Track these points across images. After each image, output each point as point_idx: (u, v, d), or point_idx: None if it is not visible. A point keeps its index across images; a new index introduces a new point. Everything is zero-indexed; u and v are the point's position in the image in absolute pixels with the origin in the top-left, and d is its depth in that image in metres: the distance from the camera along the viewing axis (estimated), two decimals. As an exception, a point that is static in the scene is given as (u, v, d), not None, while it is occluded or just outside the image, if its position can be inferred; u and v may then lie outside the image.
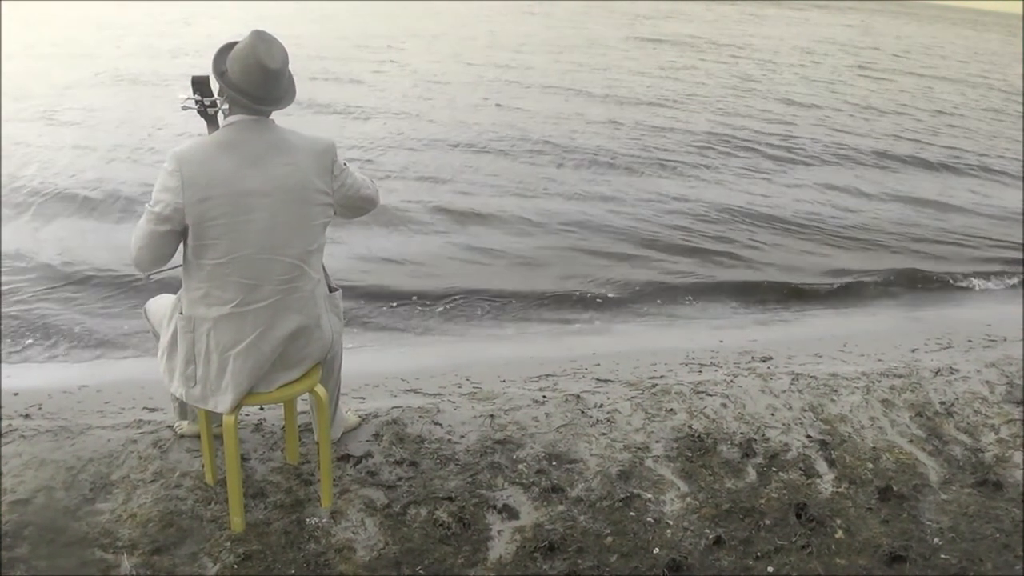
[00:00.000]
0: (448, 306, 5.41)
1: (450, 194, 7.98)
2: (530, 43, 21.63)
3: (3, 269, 5.41)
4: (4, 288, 5.14)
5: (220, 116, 2.45)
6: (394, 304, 5.37)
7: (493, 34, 23.60)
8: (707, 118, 12.61)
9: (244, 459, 2.98)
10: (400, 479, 2.97)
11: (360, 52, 17.38)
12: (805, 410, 3.67)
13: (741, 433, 3.43)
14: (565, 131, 10.91)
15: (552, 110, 12.32)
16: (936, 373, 4.17)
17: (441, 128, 10.66)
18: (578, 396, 3.71)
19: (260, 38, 2.32)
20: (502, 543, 2.70)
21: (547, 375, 4.07)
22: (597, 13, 34.98)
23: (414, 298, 5.48)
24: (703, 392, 3.79)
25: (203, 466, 2.90)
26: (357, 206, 2.63)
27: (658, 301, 5.81)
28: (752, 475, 3.15)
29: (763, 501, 2.99)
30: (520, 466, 3.12)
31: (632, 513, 2.89)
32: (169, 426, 3.19)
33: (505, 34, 23.73)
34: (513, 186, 8.37)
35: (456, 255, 6.46)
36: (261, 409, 3.35)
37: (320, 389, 2.67)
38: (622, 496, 2.97)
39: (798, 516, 2.90)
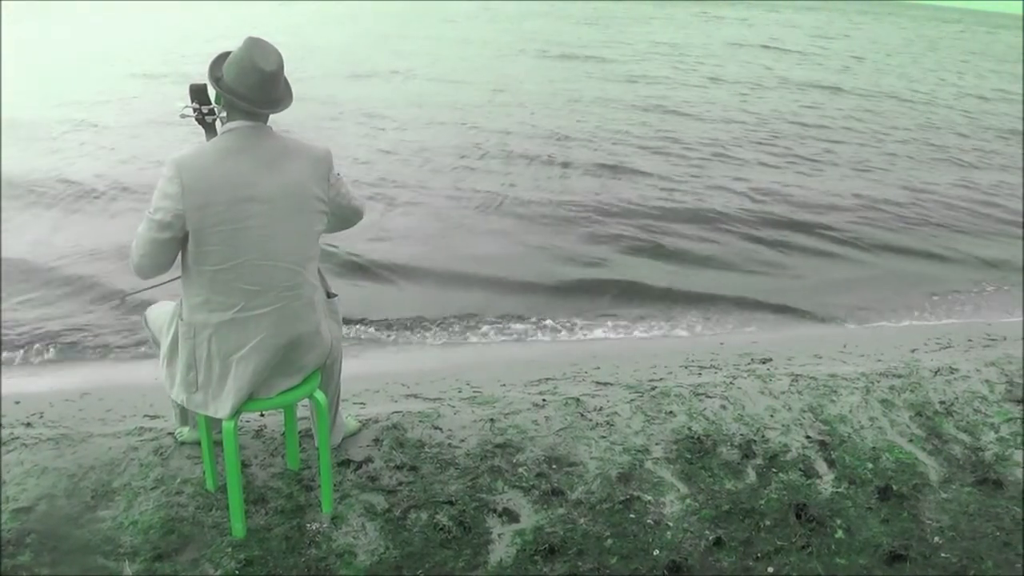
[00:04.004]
0: (448, 310, 5.43)
1: (443, 198, 8.02)
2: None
3: (5, 275, 5.42)
4: (6, 294, 5.16)
5: (218, 124, 2.46)
6: (394, 309, 5.38)
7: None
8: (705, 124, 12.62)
9: (245, 465, 2.99)
10: (400, 484, 2.98)
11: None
12: (805, 411, 3.67)
13: (741, 434, 3.44)
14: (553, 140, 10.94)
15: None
16: (936, 373, 4.17)
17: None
18: (578, 399, 3.72)
19: (254, 43, 2.34)
20: (502, 546, 2.71)
21: (547, 379, 4.08)
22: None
23: (415, 303, 5.49)
24: (703, 394, 3.80)
25: (204, 473, 2.91)
26: (346, 216, 2.64)
27: (656, 303, 5.81)
28: (752, 476, 3.15)
29: (763, 502, 2.99)
30: (520, 469, 3.12)
31: (632, 515, 2.89)
32: (170, 433, 3.20)
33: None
34: (510, 188, 8.40)
35: (454, 257, 6.49)
36: (262, 415, 3.36)
37: (320, 395, 2.68)
38: (622, 498, 2.97)
39: (798, 516, 2.90)
